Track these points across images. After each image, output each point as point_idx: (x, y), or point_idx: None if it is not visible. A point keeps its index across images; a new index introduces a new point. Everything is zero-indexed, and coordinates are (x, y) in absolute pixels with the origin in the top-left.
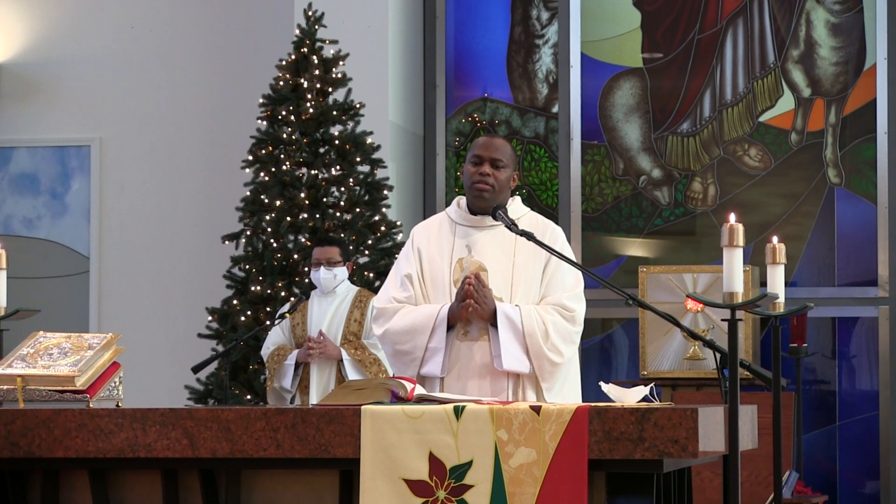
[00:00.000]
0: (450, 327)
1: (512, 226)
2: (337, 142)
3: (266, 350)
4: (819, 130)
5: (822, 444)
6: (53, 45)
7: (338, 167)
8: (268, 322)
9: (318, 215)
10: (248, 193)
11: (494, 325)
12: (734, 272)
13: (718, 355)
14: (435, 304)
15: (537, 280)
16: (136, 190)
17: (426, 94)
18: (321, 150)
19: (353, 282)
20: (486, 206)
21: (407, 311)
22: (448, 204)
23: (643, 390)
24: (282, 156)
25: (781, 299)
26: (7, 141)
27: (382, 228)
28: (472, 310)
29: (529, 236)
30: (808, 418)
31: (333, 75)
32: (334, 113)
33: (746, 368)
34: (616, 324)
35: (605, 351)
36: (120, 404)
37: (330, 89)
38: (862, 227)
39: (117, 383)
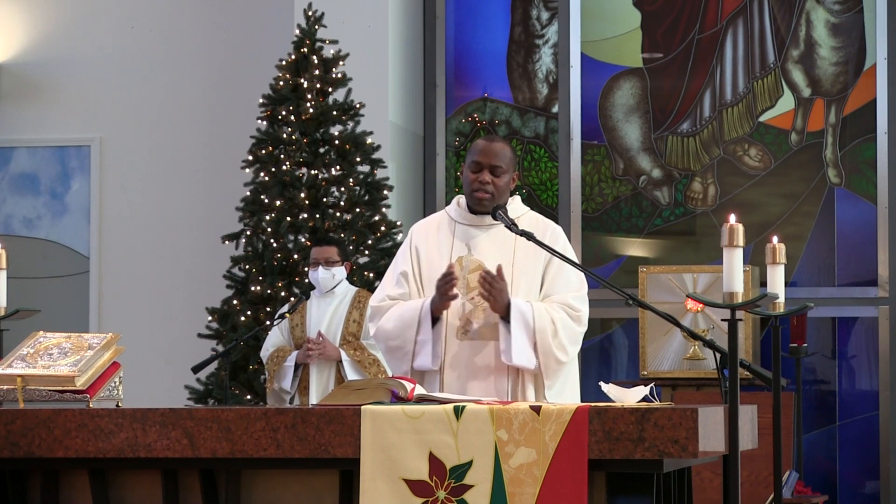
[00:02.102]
0: (436, 320)
1: (512, 226)
2: (337, 142)
3: (265, 351)
4: (819, 130)
5: (822, 444)
6: (53, 45)
7: (338, 167)
8: (268, 322)
9: (318, 215)
10: (248, 193)
11: (504, 319)
12: (734, 272)
13: (718, 355)
14: (420, 298)
15: (537, 279)
16: (136, 190)
17: (426, 94)
18: (321, 150)
19: (352, 282)
20: (486, 210)
21: (396, 307)
22: (448, 204)
23: (643, 390)
24: (282, 156)
25: (781, 299)
26: (7, 141)
27: (382, 228)
28: (483, 302)
29: (529, 236)
30: (808, 418)
31: (333, 75)
32: (334, 113)
33: (746, 368)
34: (616, 324)
35: (605, 351)
36: (120, 404)
37: (330, 89)
38: (862, 227)
39: (117, 383)
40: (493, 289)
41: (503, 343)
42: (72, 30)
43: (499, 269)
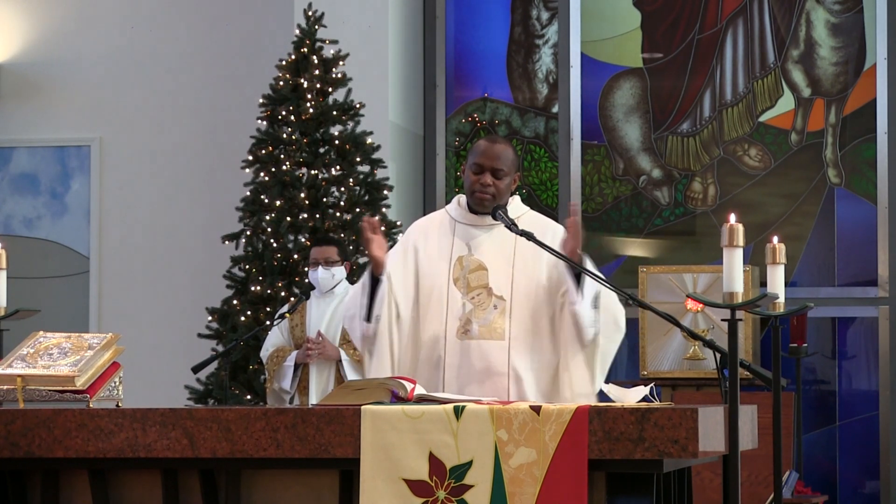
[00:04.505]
0: (379, 281)
1: (512, 226)
2: (337, 142)
3: (265, 351)
4: (819, 130)
5: (822, 444)
6: (53, 45)
7: (338, 167)
8: (268, 322)
9: (318, 215)
10: (248, 193)
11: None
12: (734, 272)
13: (718, 355)
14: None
15: (537, 280)
16: (136, 190)
17: (426, 94)
18: (321, 150)
19: (352, 282)
20: (487, 211)
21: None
22: (448, 203)
23: (643, 390)
24: (282, 156)
25: (781, 299)
26: (7, 141)
27: (382, 228)
28: (484, 301)
29: (529, 236)
30: (808, 418)
31: (333, 75)
32: (334, 113)
33: (746, 368)
34: None
35: None
36: (120, 404)
37: (330, 89)
38: (862, 227)
39: (117, 383)
40: (578, 233)
41: (571, 287)
42: (72, 30)
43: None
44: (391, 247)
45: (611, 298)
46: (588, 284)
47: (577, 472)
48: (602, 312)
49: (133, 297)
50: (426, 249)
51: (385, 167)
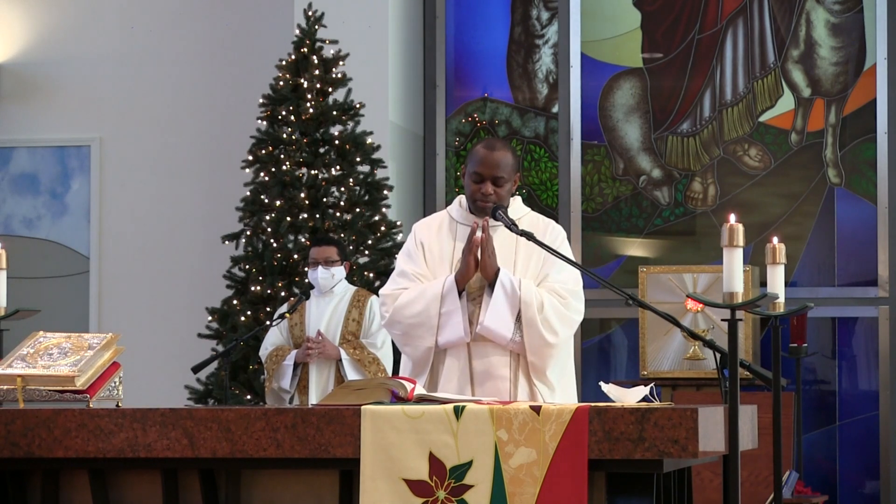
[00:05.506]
0: (461, 292)
1: (512, 226)
2: (337, 142)
3: (264, 350)
4: (819, 130)
5: (822, 444)
6: (53, 45)
7: (338, 167)
8: (268, 322)
9: (318, 215)
10: (248, 193)
11: (491, 287)
12: (734, 272)
13: (718, 355)
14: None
15: (537, 279)
16: (136, 190)
17: (426, 94)
18: (321, 150)
19: (352, 282)
20: (488, 213)
21: (414, 287)
22: (448, 203)
23: (643, 390)
24: (282, 156)
25: (781, 299)
26: (7, 141)
27: (382, 228)
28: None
29: (529, 236)
30: (808, 418)
31: (333, 75)
32: (334, 113)
33: (746, 368)
34: (616, 324)
35: (604, 351)
36: (120, 404)
37: (330, 89)
38: (862, 227)
39: (117, 383)
40: (489, 249)
41: (482, 310)
42: (72, 30)
43: (484, 227)
44: (392, 248)
45: (534, 312)
46: (496, 300)
47: (577, 472)
48: (525, 328)
49: (133, 297)
50: (430, 248)
51: (385, 167)
